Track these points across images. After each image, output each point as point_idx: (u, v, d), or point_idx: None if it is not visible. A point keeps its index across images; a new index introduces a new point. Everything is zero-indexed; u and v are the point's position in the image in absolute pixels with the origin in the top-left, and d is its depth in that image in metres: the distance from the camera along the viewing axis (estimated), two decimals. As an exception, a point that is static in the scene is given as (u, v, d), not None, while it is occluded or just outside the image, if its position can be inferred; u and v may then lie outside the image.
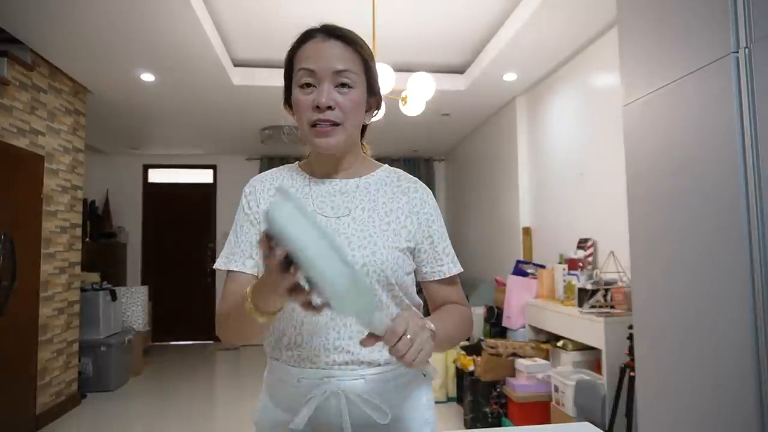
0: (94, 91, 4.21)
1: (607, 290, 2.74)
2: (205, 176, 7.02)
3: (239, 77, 4.13)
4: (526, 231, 4.41)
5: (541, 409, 3.04)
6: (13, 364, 3.19)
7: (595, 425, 0.93)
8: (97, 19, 2.97)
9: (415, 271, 1.00)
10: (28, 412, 3.32)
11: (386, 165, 1.05)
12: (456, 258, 1.02)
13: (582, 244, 3.43)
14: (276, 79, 4.71)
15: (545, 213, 4.16)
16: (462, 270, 1.02)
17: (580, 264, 3.33)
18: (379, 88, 0.99)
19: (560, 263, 3.59)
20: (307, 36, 0.94)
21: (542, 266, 3.88)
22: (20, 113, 3.31)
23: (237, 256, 0.97)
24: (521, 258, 4.35)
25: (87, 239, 5.48)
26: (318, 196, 0.97)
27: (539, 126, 4.27)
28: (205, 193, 6.97)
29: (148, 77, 3.93)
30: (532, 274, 3.86)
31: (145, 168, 6.90)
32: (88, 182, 5.45)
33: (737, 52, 1.35)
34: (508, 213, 4.71)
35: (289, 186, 1.02)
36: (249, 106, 4.72)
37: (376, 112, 1.01)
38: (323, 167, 1.00)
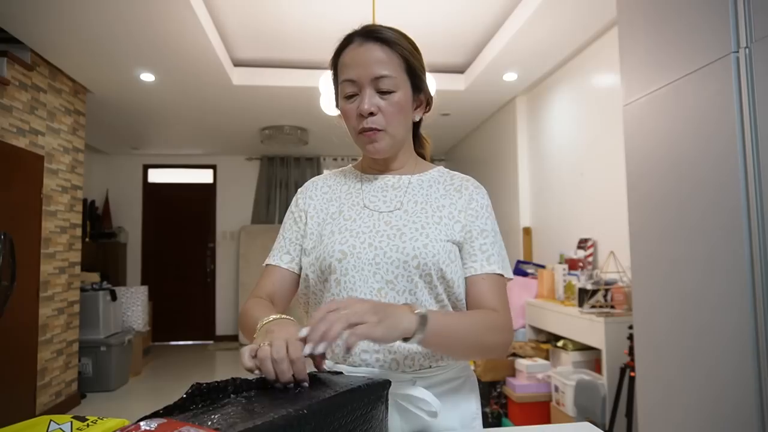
0: (94, 91, 4.21)
1: (607, 290, 2.74)
2: (205, 176, 7.02)
3: (239, 77, 4.13)
4: (526, 231, 4.41)
5: (541, 409, 3.04)
6: (13, 364, 3.19)
7: (595, 425, 0.93)
8: (97, 19, 2.97)
9: None
10: (28, 412, 3.32)
11: (441, 166, 1.05)
12: (497, 258, 0.93)
13: (582, 244, 3.43)
14: (276, 79, 4.71)
15: (545, 213, 4.16)
16: (500, 272, 0.93)
17: (580, 264, 3.33)
18: (425, 85, 0.98)
19: (560, 263, 3.59)
20: (347, 41, 0.94)
21: (542, 266, 3.88)
22: (20, 113, 3.31)
23: (276, 251, 1.00)
24: (521, 258, 4.35)
25: (87, 239, 5.48)
26: (370, 191, 0.99)
27: (539, 126, 4.27)
28: (205, 193, 6.97)
29: (148, 77, 3.93)
30: (532, 274, 3.86)
31: (145, 168, 6.90)
32: (88, 182, 5.45)
33: (737, 52, 1.35)
34: (508, 213, 4.71)
35: (341, 183, 1.02)
36: (249, 106, 4.72)
37: (427, 107, 1.00)
38: (375, 166, 1.01)
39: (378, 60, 0.89)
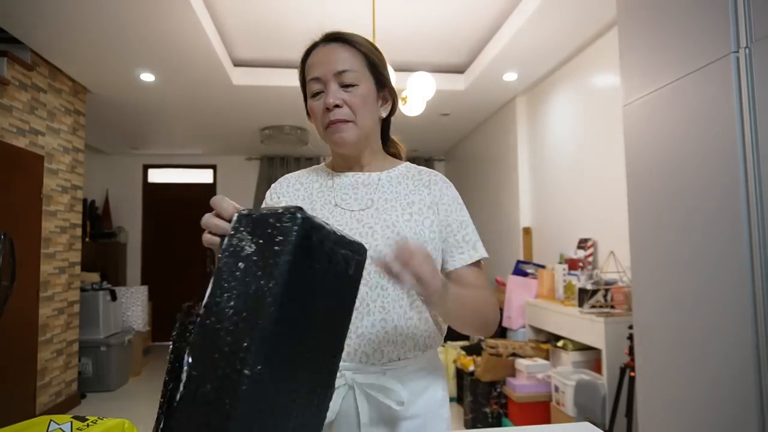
0: (94, 91, 4.21)
1: (607, 290, 2.74)
2: (205, 176, 7.02)
3: (239, 77, 4.13)
4: (526, 231, 4.41)
5: (541, 409, 3.04)
6: (13, 364, 3.19)
7: (595, 425, 0.93)
8: (97, 19, 2.97)
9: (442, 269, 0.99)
10: (28, 412, 3.32)
11: (408, 162, 1.08)
12: (479, 244, 1.00)
13: (582, 244, 3.43)
14: (276, 79, 4.71)
15: (545, 213, 4.16)
16: (487, 255, 1.01)
17: (580, 264, 3.33)
18: (388, 80, 1.01)
19: (560, 263, 3.60)
20: (311, 48, 0.99)
21: (542, 266, 3.88)
22: (20, 113, 3.31)
23: None
24: (521, 258, 4.35)
25: (87, 239, 5.48)
26: (341, 188, 1.00)
27: (539, 126, 4.27)
28: (205, 193, 6.96)
29: (148, 77, 3.93)
30: (532, 274, 3.86)
31: (145, 168, 6.90)
32: (88, 182, 5.45)
33: (737, 52, 1.35)
34: (508, 213, 4.71)
35: (313, 180, 1.05)
36: (249, 106, 4.72)
37: (390, 102, 1.03)
38: (344, 163, 1.03)
39: (340, 57, 0.94)
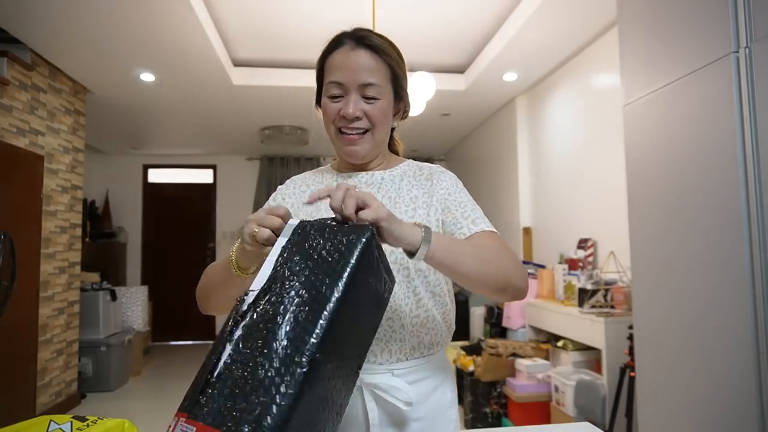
0: (94, 91, 4.21)
1: (607, 290, 2.74)
2: (205, 176, 7.02)
3: (239, 77, 4.13)
4: (526, 231, 4.41)
5: (541, 409, 3.04)
6: (13, 364, 3.19)
7: (595, 425, 0.93)
8: (97, 19, 2.97)
9: None
10: (28, 412, 3.32)
11: (410, 159, 1.09)
12: (480, 219, 0.94)
13: (582, 244, 3.43)
14: (276, 79, 4.70)
15: (545, 213, 4.16)
16: (491, 229, 0.93)
17: (580, 264, 3.33)
18: (406, 94, 1.02)
19: (560, 263, 3.59)
20: (338, 42, 0.96)
21: (542, 266, 3.88)
22: (20, 113, 3.31)
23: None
24: (521, 258, 4.36)
25: (87, 239, 5.48)
26: None
27: (539, 126, 4.27)
28: (205, 193, 6.97)
29: (148, 77, 3.93)
30: (532, 274, 3.86)
31: (145, 168, 6.90)
32: (88, 182, 5.45)
33: (737, 52, 1.35)
34: (508, 213, 4.71)
35: (319, 182, 1.06)
36: (249, 106, 4.72)
37: (404, 115, 1.05)
38: (350, 165, 1.04)
39: (367, 67, 0.93)
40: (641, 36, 1.77)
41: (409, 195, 0.99)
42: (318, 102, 1.02)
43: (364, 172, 1.03)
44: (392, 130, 1.09)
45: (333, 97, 0.95)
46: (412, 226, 0.76)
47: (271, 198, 1.08)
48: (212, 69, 3.79)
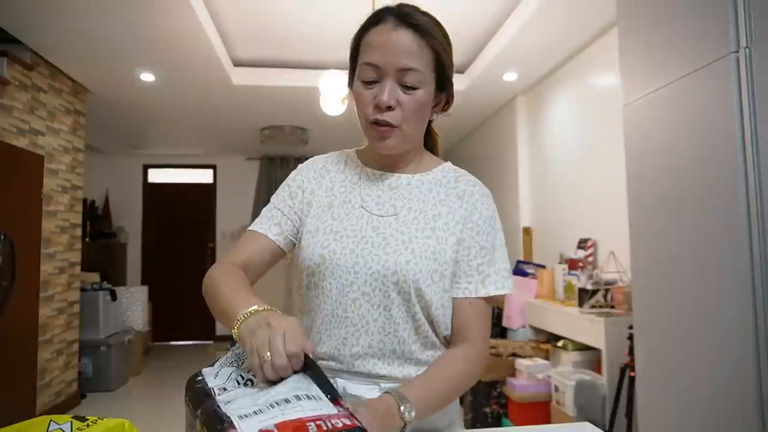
0: (94, 91, 4.21)
1: (607, 290, 2.74)
2: (205, 176, 7.02)
3: (239, 77, 4.13)
4: (526, 231, 4.41)
5: (541, 409, 3.04)
6: (13, 364, 3.19)
7: (595, 425, 0.93)
8: (97, 19, 2.97)
9: None
10: (28, 412, 3.32)
11: (449, 163, 0.98)
12: (494, 278, 0.87)
13: (582, 244, 3.43)
14: (276, 79, 4.69)
15: (545, 213, 4.16)
16: (501, 292, 0.87)
17: (580, 264, 3.33)
18: (451, 85, 0.91)
19: (560, 263, 3.60)
20: (377, 18, 0.85)
21: (542, 266, 3.88)
22: (20, 113, 3.31)
23: (266, 220, 0.93)
24: (521, 258, 4.35)
25: (87, 239, 5.48)
26: (366, 189, 0.92)
27: (539, 126, 4.27)
28: (205, 193, 6.97)
29: (148, 77, 3.93)
30: (532, 274, 3.87)
31: (145, 168, 6.90)
32: (88, 182, 5.44)
33: (737, 52, 1.35)
34: (508, 213, 4.71)
35: (340, 173, 0.96)
36: (249, 106, 4.72)
37: (445, 107, 0.94)
38: (378, 160, 0.94)
39: (408, 50, 0.82)
40: (641, 36, 1.77)
41: (433, 211, 0.89)
42: (350, 84, 0.91)
43: (390, 173, 0.93)
44: (429, 122, 0.97)
45: (367, 83, 0.84)
46: (390, 416, 0.71)
47: (290, 179, 0.97)
48: (212, 69, 3.79)
